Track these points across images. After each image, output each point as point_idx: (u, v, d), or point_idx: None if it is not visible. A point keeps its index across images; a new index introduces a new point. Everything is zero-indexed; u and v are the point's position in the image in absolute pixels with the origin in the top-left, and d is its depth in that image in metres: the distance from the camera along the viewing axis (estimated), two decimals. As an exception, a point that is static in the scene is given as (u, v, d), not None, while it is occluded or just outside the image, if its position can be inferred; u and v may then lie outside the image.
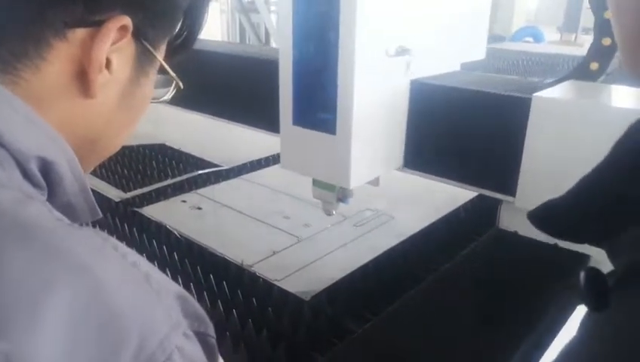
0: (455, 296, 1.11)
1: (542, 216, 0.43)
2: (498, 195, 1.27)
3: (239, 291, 1.17)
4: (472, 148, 1.25)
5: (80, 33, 0.44)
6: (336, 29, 1.02)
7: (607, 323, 0.34)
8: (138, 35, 0.47)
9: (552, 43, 5.36)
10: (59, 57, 0.44)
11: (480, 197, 1.43)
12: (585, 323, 0.37)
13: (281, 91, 1.17)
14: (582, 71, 1.24)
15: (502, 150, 1.21)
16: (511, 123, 1.18)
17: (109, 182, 1.82)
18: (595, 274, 0.37)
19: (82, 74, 0.45)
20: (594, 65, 1.21)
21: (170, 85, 0.59)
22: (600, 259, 1.14)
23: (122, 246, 0.39)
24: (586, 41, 4.31)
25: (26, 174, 0.41)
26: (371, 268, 1.28)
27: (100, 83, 0.46)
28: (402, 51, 1.11)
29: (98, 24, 0.44)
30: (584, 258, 1.15)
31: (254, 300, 1.14)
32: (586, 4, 4.78)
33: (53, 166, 0.42)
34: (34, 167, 0.41)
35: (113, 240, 0.39)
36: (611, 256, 0.39)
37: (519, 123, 1.16)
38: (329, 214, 1.35)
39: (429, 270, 1.23)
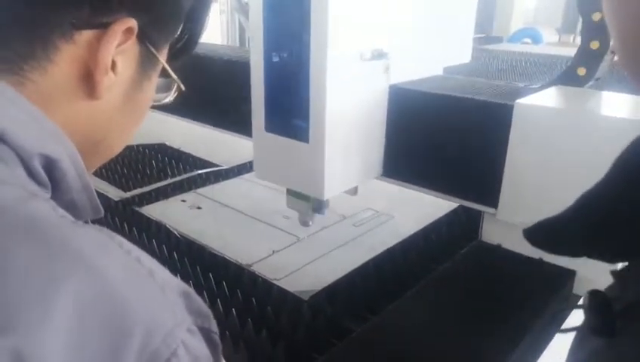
0: (450, 301, 1.10)
1: (539, 234, 0.42)
2: (479, 207, 1.21)
3: (239, 290, 1.17)
4: (453, 158, 1.19)
5: (86, 35, 0.44)
6: (308, 34, 0.99)
7: (609, 348, 0.34)
8: (142, 37, 0.48)
9: (550, 44, 5.37)
10: (65, 59, 0.44)
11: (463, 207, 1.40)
12: (583, 346, 0.37)
13: (253, 97, 1.14)
14: (569, 76, 1.18)
15: (483, 160, 1.14)
16: (492, 131, 1.12)
17: (109, 182, 1.82)
18: (601, 299, 0.36)
19: (88, 75, 0.46)
20: (581, 71, 1.16)
21: (167, 89, 0.59)
22: (586, 275, 1.12)
23: (126, 243, 0.39)
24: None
25: (30, 172, 0.41)
26: (371, 267, 1.28)
27: (106, 84, 0.46)
28: (378, 55, 1.08)
29: (105, 26, 0.44)
30: (570, 273, 1.12)
31: (254, 299, 1.14)
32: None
33: (57, 163, 0.43)
34: (37, 165, 0.41)
35: (118, 237, 0.39)
36: (618, 279, 0.38)
37: (501, 131, 1.10)
38: (305, 225, 1.32)
39: (429, 269, 1.23)
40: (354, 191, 1.25)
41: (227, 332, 1.03)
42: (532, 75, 2.48)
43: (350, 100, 1.08)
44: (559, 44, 5.17)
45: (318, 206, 1.21)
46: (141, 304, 0.36)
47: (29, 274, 0.33)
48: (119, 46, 0.46)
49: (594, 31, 1.13)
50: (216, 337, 0.43)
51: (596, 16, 1.11)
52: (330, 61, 0.98)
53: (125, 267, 0.37)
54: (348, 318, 1.10)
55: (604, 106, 1.13)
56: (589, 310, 0.36)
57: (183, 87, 0.58)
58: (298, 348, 1.01)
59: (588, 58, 1.16)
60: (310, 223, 1.31)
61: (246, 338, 1.03)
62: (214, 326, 0.43)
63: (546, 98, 1.15)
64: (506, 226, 1.16)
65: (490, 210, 1.18)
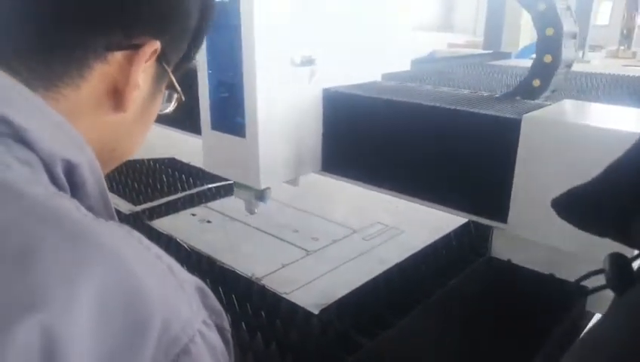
0: (460, 317, 1.08)
1: (566, 203, 0.42)
2: (486, 221, 1.18)
3: (248, 304, 1.17)
4: (391, 155, 1.25)
5: (118, 55, 0.48)
6: (239, 41, 1.12)
7: (625, 299, 0.34)
8: (161, 57, 0.52)
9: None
10: (97, 76, 0.48)
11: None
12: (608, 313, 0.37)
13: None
14: (525, 88, 1.23)
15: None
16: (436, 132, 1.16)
17: (120, 195, 1.84)
18: (620, 258, 0.37)
19: (115, 91, 0.50)
20: (536, 83, 1.20)
21: (166, 100, 0.62)
22: (599, 292, 1.10)
23: (145, 240, 0.41)
24: (594, 58, 4.31)
25: (52, 176, 0.43)
26: (380, 282, 1.27)
27: (132, 99, 0.50)
28: (307, 61, 1.20)
29: (135, 48, 0.49)
30: (582, 289, 1.10)
31: (263, 313, 1.14)
32: (592, 21, 4.80)
33: (77, 169, 0.45)
34: (59, 171, 0.43)
35: (137, 233, 0.41)
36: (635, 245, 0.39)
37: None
38: (251, 213, 1.41)
39: (439, 284, 1.22)
40: (295, 182, 1.36)
41: (237, 346, 1.02)
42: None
43: (282, 101, 1.20)
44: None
45: (260, 195, 1.32)
46: (160, 294, 0.37)
47: (57, 258, 0.35)
48: (144, 64, 0.50)
49: (547, 45, 1.19)
50: (229, 335, 0.44)
51: (549, 31, 1.16)
52: (260, 66, 1.12)
53: (145, 260, 0.39)
54: (357, 332, 1.09)
55: (614, 120, 1.12)
56: (608, 267, 0.36)
57: (183, 98, 0.61)
58: (307, 361, 1.00)
59: (542, 71, 1.21)
60: (255, 211, 1.40)
61: (255, 351, 1.03)
62: (227, 325, 0.45)
63: (554, 112, 1.15)
64: (516, 241, 1.15)
65: (501, 225, 1.17)
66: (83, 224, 0.39)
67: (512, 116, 1.09)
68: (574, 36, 1.21)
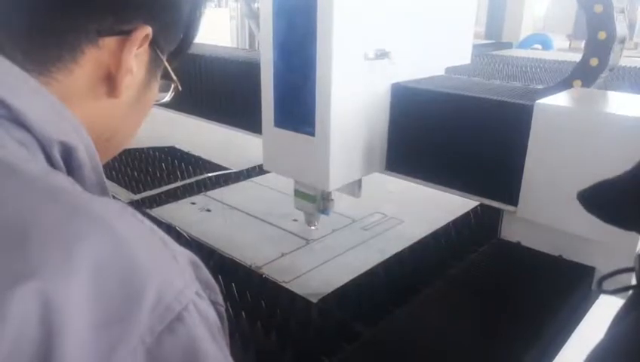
0: (461, 304, 1.09)
1: (592, 196, 0.42)
2: (498, 205, 1.21)
3: (248, 293, 1.17)
4: (458, 154, 1.21)
5: (110, 41, 0.48)
6: (314, 34, 1.04)
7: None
8: (153, 43, 0.52)
9: (561, 50, 5.35)
10: (89, 61, 0.48)
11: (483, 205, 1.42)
12: (629, 311, 0.37)
13: (263, 94, 1.20)
14: (583, 69, 1.19)
15: (500, 158, 1.16)
16: (510, 130, 1.13)
17: (120, 184, 1.83)
18: None
19: (108, 76, 0.50)
20: (594, 61, 1.16)
21: (164, 89, 0.63)
22: (605, 271, 1.11)
23: (139, 214, 0.42)
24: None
25: (49, 159, 0.43)
26: (380, 271, 1.28)
27: (125, 85, 0.50)
28: (382, 54, 1.12)
29: (126, 33, 0.49)
30: (589, 270, 1.12)
31: (263, 302, 1.14)
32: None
33: (74, 153, 0.45)
34: (57, 154, 0.44)
35: (131, 208, 0.42)
36: None
37: (514, 129, 1.11)
38: (311, 226, 1.36)
39: (438, 273, 1.23)
40: (358, 193, 1.28)
41: (237, 334, 1.03)
42: (542, 79, 2.48)
43: (354, 97, 1.14)
44: (570, 50, 5.15)
45: (323, 207, 1.26)
46: (154, 265, 0.38)
47: (53, 231, 0.36)
48: (137, 50, 0.50)
49: (597, 22, 1.15)
50: (222, 310, 0.45)
51: (598, 8, 1.13)
52: (336, 60, 1.04)
53: (139, 233, 0.40)
54: (357, 321, 1.10)
55: (624, 106, 1.13)
56: (639, 266, 0.36)
57: (180, 88, 0.62)
58: (307, 350, 1.01)
59: (598, 48, 1.17)
60: (316, 224, 1.34)
61: (255, 339, 1.03)
62: (220, 300, 0.45)
63: (565, 99, 1.16)
64: (526, 224, 1.17)
65: (511, 208, 1.19)
66: (78, 198, 0.39)
67: (524, 102, 1.10)
68: (623, 41, 1.18)
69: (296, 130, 1.15)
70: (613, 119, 1.03)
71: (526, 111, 1.10)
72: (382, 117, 1.24)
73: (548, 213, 1.10)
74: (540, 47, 5.72)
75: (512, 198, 1.15)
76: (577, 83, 1.20)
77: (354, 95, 1.13)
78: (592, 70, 1.18)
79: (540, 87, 1.31)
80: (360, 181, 1.28)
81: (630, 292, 0.41)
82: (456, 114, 1.18)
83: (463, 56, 1.46)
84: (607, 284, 0.45)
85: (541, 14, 8.22)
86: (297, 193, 1.29)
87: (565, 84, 1.23)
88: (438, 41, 1.32)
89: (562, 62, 3.08)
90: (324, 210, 1.27)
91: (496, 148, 1.16)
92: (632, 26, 4.84)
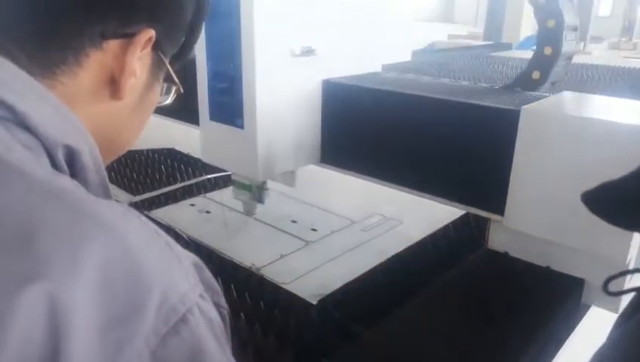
0: (457, 308, 1.08)
1: (596, 197, 0.42)
2: (484, 213, 1.18)
3: (247, 294, 1.17)
4: (392, 149, 1.25)
5: (113, 44, 0.49)
6: (239, 33, 1.12)
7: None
8: (156, 45, 0.52)
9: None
10: (93, 65, 0.49)
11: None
12: (631, 316, 0.37)
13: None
14: (524, 80, 1.23)
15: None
16: (429, 124, 1.16)
17: (119, 186, 1.84)
18: None
19: (112, 79, 0.50)
20: (536, 75, 1.21)
21: (165, 92, 0.63)
22: (595, 283, 1.10)
23: (143, 217, 0.43)
24: (595, 49, 4.29)
25: (53, 162, 0.44)
26: (379, 272, 1.28)
27: (128, 87, 0.51)
28: (308, 51, 1.19)
29: (130, 36, 0.49)
30: (578, 281, 1.10)
31: (262, 303, 1.14)
32: (594, 12, 4.78)
33: (78, 155, 0.46)
34: (60, 156, 0.44)
35: (135, 210, 0.43)
36: None
37: (446, 125, 1.13)
38: (250, 215, 1.41)
39: (436, 275, 1.23)
40: (292, 183, 1.35)
41: (235, 336, 1.03)
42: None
43: (282, 92, 1.19)
44: (569, 51, 5.14)
45: (259, 196, 1.33)
46: (159, 267, 0.39)
47: (60, 233, 0.36)
48: (140, 53, 0.51)
49: (547, 37, 1.18)
50: (225, 312, 0.45)
51: (551, 23, 1.16)
52: (259, 57, 1.12)
53: (144, 235, 0.41)
54: (356, 322, 1.10)
55: (614, 113, 1.11)
56: None
57: (182, 90, 0.62)
58: (306, 351, 1.01)
59: (541, 63, 1.21)
60: (254, 213, 1.40)
61: (254, 341, 1.03)
62: (224, 302, 0.46)
63: (553, 104, 1.15)
64: (513, 233, 1.15)
65: (497, 218, 1.17)
66: (84, 201, 0.40)
67: (510, 107, 1.09)
68: (575, 29, 1.20)
69: (228, 123, 1.22)
70: (601, 125, 1.00)
71: (511, 117, 1.08)
72: (313, 111, 1.29)
73: (533, 223, 1.08)
74: (539, 48, 5.70)
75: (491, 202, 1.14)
76: (536, 74, 1.22)
77: (281, 90, 1.19)
78: (547, 59, 1.20)
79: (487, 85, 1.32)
80: (294, 172, 1.34)
81: (632, 294, 0.41)
82: (385, 109, 1.23)
83: (401, 54, 1.54)
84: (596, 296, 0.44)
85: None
86: (235, 183, 1.36)
87: (526, 76, 1.24)
88: (373, 39, 1.38)
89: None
90: (260, 199, 1.34)
91: (432, 145, 1.17)
92: (630, 27, 4.84)
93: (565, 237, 1.03)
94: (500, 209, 1.12)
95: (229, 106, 1.21)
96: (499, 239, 1.22)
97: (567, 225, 1.01)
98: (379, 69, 1.47)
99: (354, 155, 1.31)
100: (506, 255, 1.21)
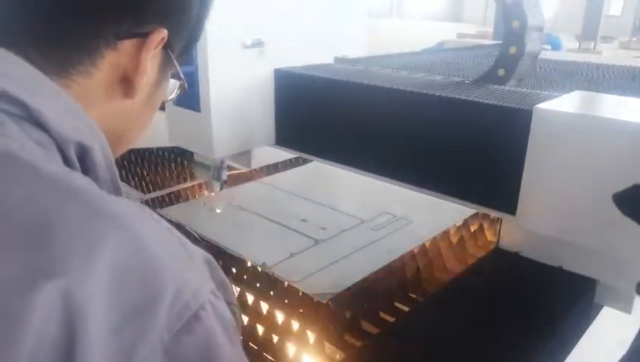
0: (468, 308, 1.08)
1: (629, 198, 0.42)
2: (495, 213, 1.14)
3: (257, 292, 1.18)
4: (341, 133, 1.32)
5: (127, 44, 0.50)
6: None
7: None
8: (166, 44, 0.53)
9: (570, 51, 5.31)
10: (108, 64, 0.49)
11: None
12: None
13: None
14: (491, 76, 1.30)
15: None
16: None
17: (129, 184, 1.85)
18: None
19: (125, 78, 0.51)
20: (501, 72, 1.27)
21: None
22: (608, 283, 1.09)
23: (156, 215, 0.44)
24: (605, 49, 4.26)
25: (65, 159, 0.44)
26: (389, 271, 1.28)
27: (141, 86, 0.52)
28: (258, 43, 1.32)
29: (143, 36, 0.50)
30: (590, 282, 1.10)
31: (272, 301, 1.15)
32: (604, 12, 4.74)
33: (90, 153, 0.46)
34: (72, 153, 0.45)
35: (147, 208, 0.44)
36: None
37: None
38: (211, 191, 1.56)
39: (447, 274, 1.23)
40: (248, 163, 1.51)
41: (245, 334, 1.03)
42: (552, 80, 2.46)
43: (234, 79, 1.33)
44: (579, 51, 5.11)
45: (218, 175, 1.49)
46: (172, 264, 0.39)
47: (75, 230, 0.36)
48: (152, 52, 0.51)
49: (513, 37, 1.23)
50: (236, 310, 0.45)
51: (515, 24, 1.20)
52: (211, 48, 1.25)
53: (157, 232, 0.41)
54: (367, 321, 1.10)
55: (629, 112, 1.10)
56: None
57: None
58: (316, 349, 1.01)
59: (506, 61, 1.26)
60: (217, 190, 1.55)
61: (264, 339, 1.03)
62: (234, 299, 0.47)
63: (566, 103, 1.14)
64: (525, 233, 1.15)
65: (509, 217, 1.17)
66: (97, 198, 0.40)
67: (522, 107, 1.08)
68: (540, 29, 1.25)
69: (187, 107, 1.37)
70: (614, 124, 0.98)
71: (523, 116, 1.08)
72: (267, 97, 1.43)
73: (546, 222, 1.07)
74: (549, 47, 5.68)
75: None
76: (501, 71, 1.27)
77: (234, 78, 1.33)
78: (511, 57, 1.25)
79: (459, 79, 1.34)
80: (250, 152, 1.49)
81: None
82: (332, 97, 1.34)
83: (354, 46, 1.64)
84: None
85: (550, 15, 8.16)
86: (196, 163, 1.53)
87: (492, 73, 1.29)
88: (325, 32, 1.50)
89: (562, 62, 3.06)
90: (218, 178, 1.50)
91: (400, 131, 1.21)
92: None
93: (580, 237, 1.02)
94: (511, 208, 1.11)
95: (190, 93, 1.35)
96: (510, 239, 1.22)
97: (581, 224, 1.01)
98: (330, 61, 1.56)
99: (304, 138, 1.44)
100: (517, 255, 1.20)
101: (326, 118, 1.34)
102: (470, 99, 1.15)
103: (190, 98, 1.35)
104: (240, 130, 1.39)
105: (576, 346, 0.99)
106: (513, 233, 1.21)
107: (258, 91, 1.39)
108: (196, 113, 1.34)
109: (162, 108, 1.48)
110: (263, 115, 1.43)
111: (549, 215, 1.06)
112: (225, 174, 1.50)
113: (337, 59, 1.55)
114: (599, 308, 1.11)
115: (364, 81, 1.27)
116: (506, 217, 1.15)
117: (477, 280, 1.16)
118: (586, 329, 1.05)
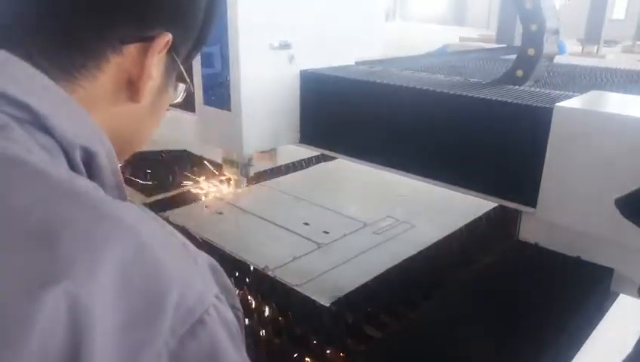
0: (476, 308, 1.09)
1: (629, 203, 0.43)
2: (514, 205, 1.21)
3: (259, 295, 1.18)
4: (367, 132, 1.36)
5: (132, 48, 0.50)
6: (227, 31, 1.31)
7: None
8: (171, 48, 0.53)
9: (573, 55, 5.32)
10: (113, 68, 0.49)
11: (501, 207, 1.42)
12: None
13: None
14: (509, 77, 1.33)
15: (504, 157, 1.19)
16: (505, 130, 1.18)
17: (133, 187, 1.85)
18: None
19: (130, 82, 0.51)
20: (519, 73, 1.30)
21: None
22: (624, 273, 1.11)
23: (160, 219, 0.44)
24: (609, 52, 4.26)
25: (71, 163, 0.44)
26: (392, 275, 1.28)
27: (146, 90, 0.52)
28: (285, 45, 1.37)
29: (148, 40, 0.50)
30: (607, 271, 1.12)
31: (274, 304, 1.15)
32: (608, 15, 4.74)
33: (95, 158, 0.46)
34: (78, 158, 0.45)
35: (152, 212, 0.44)
36: None
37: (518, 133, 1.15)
38: (238, 187, 1.62)
39: (450, 278, 1.23)
40: (275, 159, 1.58)
41: (248, 337, 1.03)
42: (555, 84, 2.46)
43: (262, 79, 1.38)
44: (582, 55, 5.11)
45: (245, 171, 1.54)
46: (176, 268, 0.39)
47: (80, 234, 0.37)
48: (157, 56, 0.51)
49: (531, 39, 1.26)
50: (240, 314, 0.45)
51: (534, 27, 1.24)
52: (242, 50, 1.31)
53: (161, 236, 0.41)
54: (369, 325, 1.10)
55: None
56: None
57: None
58: (318, 353, 1.01)
59: (525, 62, 1.30)
60: (244, 185, 1.61)
61: (267, 342, 1.03)
62: (238, 304, 0.46)
63: (585, 101, 1.17)
64: (544, 225, 1.17)
65: (530, 210, 1.18)
66: (103, 202, 0.40)
67: (544, 105, 1.10)
68: (556, 32, 1.27)
69: (219, 107, 1.41)
70: (632, 122, 1.02)
71: (543, 114, 1.10)
72: (293, 97, 1.47)
73: (566, 214, 1.10)
74: (552, 51, 5.67)
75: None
76: (519, 73, 1.30)
77: (262, 78, 1.38)
78: (530, 59, 1.28)
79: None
80: (275, 150, 1.54)
81: None
82: (355, 97, 1.38)
83: (373, 51, 1.68)
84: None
85: (553, 18, 8.15)
86: (225, 160, 1.57)
87: (510, 74, 1.32)
88: (345, 35, 1.55)
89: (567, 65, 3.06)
90: (244, 173, 1.53)
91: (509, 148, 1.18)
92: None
93: (598, 228, 1.05)
94: (532, 201, 1.14)
95: (220, 92, 1.41)
96: (530, 230, 1.24)
97: (599, 216, 1.03)
98: (352, 63, 1.61)
99: (329, 137, 1.47)
100: (536, 246, 1.22)
101: (351, 116, 1.39)
102: (494, 98, 1.19)
103: (221, 98, 1.41)
104: (268, 129, 1.44)
105: (594, 332, 1.02)
106: (533, 225, 1.23)
107: (285, 91, 1.44)
108: (227, 112, 1.39)
109: (192, 109, 1.54)
110: (289, 114, 1.47)
111: (568, 207, 1.09)
112: (251, 171, 1.55)
113: (358, 62, 1.59)
114: (616, 295, 1.14)
115: (390, 81, 1.30)
116: (526, 210, 1.19)
117: (497, 269, 1.19)
118: (603, 315, 1.09)
